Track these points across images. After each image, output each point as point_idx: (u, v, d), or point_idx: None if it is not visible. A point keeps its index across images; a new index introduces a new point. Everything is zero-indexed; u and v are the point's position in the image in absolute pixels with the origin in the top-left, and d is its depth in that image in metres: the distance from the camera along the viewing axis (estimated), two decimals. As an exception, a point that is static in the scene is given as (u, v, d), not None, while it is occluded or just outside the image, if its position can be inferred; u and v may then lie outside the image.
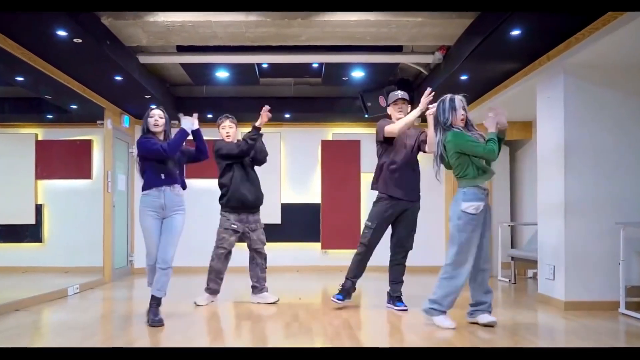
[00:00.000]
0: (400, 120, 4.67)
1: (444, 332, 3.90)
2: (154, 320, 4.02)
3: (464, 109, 3.97)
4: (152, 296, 4.12)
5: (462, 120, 3.96)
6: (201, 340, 3.63)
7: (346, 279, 4.84)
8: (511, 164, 7.83)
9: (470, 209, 3.80)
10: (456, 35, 5.27)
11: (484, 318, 3.99)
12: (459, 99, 3.99)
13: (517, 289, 6.28)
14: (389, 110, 4.87)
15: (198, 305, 4.95)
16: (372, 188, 4.83)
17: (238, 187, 5.06)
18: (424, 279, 6.66)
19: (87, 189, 7.23)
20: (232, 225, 5.06)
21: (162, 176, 4.17)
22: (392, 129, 4.64)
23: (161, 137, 4.30)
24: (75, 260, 6.87)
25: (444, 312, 3.95)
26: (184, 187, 4.34)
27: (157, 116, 4.31)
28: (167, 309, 4.77)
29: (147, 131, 4.29)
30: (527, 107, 6.25)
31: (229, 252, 5.14)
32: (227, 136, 5.11)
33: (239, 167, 5.10)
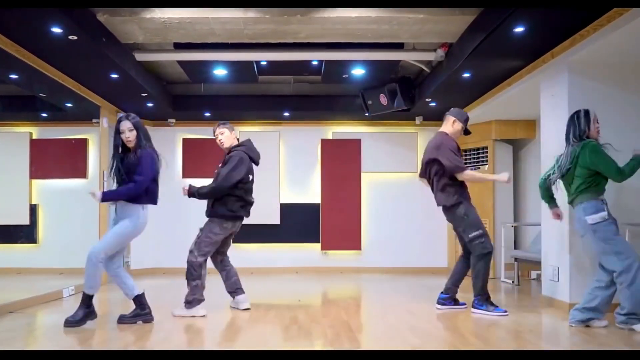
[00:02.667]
0: (483, 175, 5.07)
1: (446, 334, 3.90)
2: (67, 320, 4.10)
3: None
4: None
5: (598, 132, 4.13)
6: (199, 342, 3.63)
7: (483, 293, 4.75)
8: (514, 164, 7.82)
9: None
10: (458, 32, 5.27)
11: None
12: (595, 112, 4.17)
13: (520, 291, 6.28)
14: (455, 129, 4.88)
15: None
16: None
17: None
18: (426, 280, 6.65)
19: (82, 189, 7.21)
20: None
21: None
22: (469, 177, 4.74)
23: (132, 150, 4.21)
24: (70, 261, 6.84)
25: None
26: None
27: (127, 131, 4.20)
28: (165, 312, 4.77)
29: (122, 146, 4.23)
30: (530, 106, 6.25)
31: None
32: (221, 143, 4.95)
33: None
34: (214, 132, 4.94)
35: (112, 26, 5.07)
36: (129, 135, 4.15)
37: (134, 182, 4.10)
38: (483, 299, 4.70)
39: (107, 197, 4.17)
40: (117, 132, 4.20)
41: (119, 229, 4.14)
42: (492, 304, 4.70)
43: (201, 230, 4.86)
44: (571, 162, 4.08)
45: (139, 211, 4.16)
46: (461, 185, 4.77)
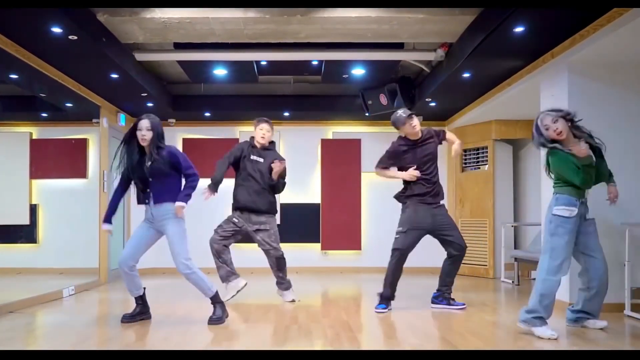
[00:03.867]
0: (391, 172, 5.02)
1: (446, 334, 3.90)
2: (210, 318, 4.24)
3: (555, 122, 3.81)
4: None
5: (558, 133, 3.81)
6: (198, 342, 3.63)
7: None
8: (514, 164, 7.82)
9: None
10: (458, 32, 5.27)
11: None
12: (541, 117, 3.87)
13: (520, 291, 6.28)
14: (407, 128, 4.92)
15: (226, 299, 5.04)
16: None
17: (236, 189, 5.33)
18: (426, 280, 6.65)
19: (82, 189, 7.22)
20: (234, 219, 5.27)
21: None
22: (380, 174, 5.06)
23: (146, 150, 4.15)
24: (70, 261, 6.86)
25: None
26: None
27: (144, 129, 4.11)
28: (164, 311, 4.78)
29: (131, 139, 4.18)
30: (530, 106, 6.24)
31: (224, 238, 5.25)
32: (262, 138, 5.26)
33: (239, 172, 5.32)
34: (264, 127, 5.25)
35: (112, 26, 5.08)
36: (146, 134, 4.10)
37: (194, 175, 4.18)
38: (382, 298, 4.84)
39: (186, 200, 4.18)
40: (134, 128, 4.15)
41: (178, 231, 4.15)
42: (386, 302, 4.82)
43: (264, 229, 5.19)
44: (546, 166, 4.03)
45: (173, 207, 4.18)
46: (408, 184, 4.89)
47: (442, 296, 5.01)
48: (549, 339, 3.64)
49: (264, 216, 5.21)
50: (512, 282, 6.80)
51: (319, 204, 8.38)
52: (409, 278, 7.34)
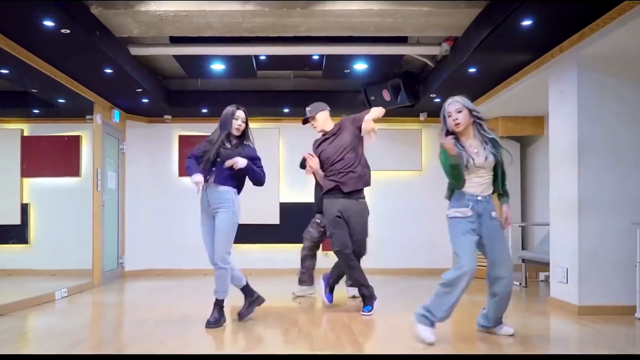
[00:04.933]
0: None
1: (451, 338, 3.91)
2: (208, 321, 4.27)
3: (458, 112, 3.76)
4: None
5: (456, 124, 3.74)
6: (195, 346, 3.63)
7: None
8: (522, 161, 7.82)
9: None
10: (464, 25, 5.26)
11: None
12: (449, 102, 3.81)
13: (528, 293, 6.28)
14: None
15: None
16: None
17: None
18: (430, 281, 6.65)
19: (75, 188, 7.22)
20: (316, 220, 5.71)
21: None
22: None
23: (234, 140, 4.37)
24: (63, 262, 6.87)
25: None
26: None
27: (241, 119, 4.38)
28: (160, 314, 4.78)
29: (223, 131, 4.34)
30: (538, 102, 6.25)
31: (315, 245, 5.80)
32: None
33: None
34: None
35: (105, 19, 5.07)
36: (241, 125, 4.37)
37: (262, 168, 4.43)
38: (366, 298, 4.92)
39: (249, 167, 4.33)
40: (231, 116, 4.35)
41: (229, 221, 4.23)
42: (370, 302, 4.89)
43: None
44: None
45: (234, 197, 4.28)
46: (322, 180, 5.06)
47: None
48: (423, 341, 3.60)
49: None
50: (520, 284, 6.80)
51: (319, 203, 8.37)
52: (412, 279, 7.34)
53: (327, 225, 4.96)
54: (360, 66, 6.64)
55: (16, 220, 7.09)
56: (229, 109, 4.41)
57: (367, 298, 4.85)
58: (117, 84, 6.36)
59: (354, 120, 4.99)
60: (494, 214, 3.73)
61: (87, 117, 6.92)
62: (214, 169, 4.26)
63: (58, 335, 3.91)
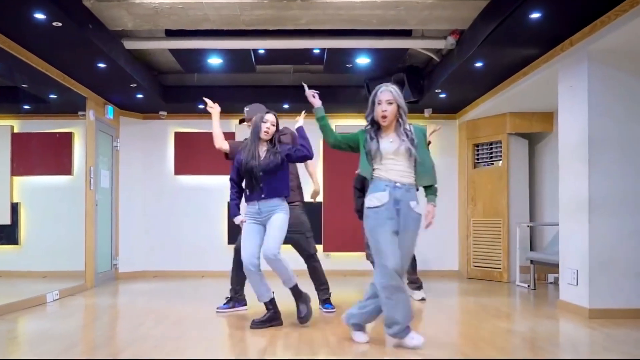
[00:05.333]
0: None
1: (457, 342, 3.90)
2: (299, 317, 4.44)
3: (389, 103, 3.67)
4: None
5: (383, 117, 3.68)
6: (192, 351, 3.63)
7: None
8: (530, 159, 7.81)
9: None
10: (470, 18, 5.25)
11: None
12: (382, 89, 3.73)
13: (537, 295, 6.27)
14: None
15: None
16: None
17: None
18: (435, 284, 6.65)
19: (67, 186, 7.22)
20: None
21: None
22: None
23: (264, 146, 4.40)
24: (54, 263, 6.86)
25: None
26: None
27: (270, 122, 4.42)
28: (155, 317, 4.78)
29: (254, 139, 4.39)
30: (547, 97, 6.24)
31: None
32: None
33: None
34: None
35: (99, 12, 5.07)
36: (271, 128, 4.43)
37: (303, 147, 4.52)
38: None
39: (301, 132, 4.60)
40: (260, 121, 4.43)
41: (280, 224, 4.29)
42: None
43: None
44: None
45: (285, 202, 4.40)
46: None
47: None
48: (358, 341, 3.63)
49: None
50: (528, 286, 6.79)
51: (320, 202, 8.36)
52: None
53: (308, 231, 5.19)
54: (363, 60, 6.63)
55: (6, 220, 7.08)
56: (259, 115, 4.47)
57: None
58: (111, 79, 6.36)
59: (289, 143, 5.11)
60: (413, 204, 3.65)
61: (80, 113, 6.92)
62: (261, 185, 4.29)
63: (49, 340, 3.90)
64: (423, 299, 5.69)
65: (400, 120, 3.69)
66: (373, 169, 3.67)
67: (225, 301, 5.14)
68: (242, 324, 4.53)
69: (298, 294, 4.47)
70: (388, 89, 3.68)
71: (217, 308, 5.09)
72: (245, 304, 5.16)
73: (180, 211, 8.20)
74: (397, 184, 3.62)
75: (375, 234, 3.60)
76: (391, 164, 3.65)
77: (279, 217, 4.30)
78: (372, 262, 5.54)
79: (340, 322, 4.56)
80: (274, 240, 4.24)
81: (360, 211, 4.94)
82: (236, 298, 5.13)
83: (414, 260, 5.49)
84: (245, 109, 5.17)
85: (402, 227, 3.62)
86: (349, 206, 8.55)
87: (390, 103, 3.66)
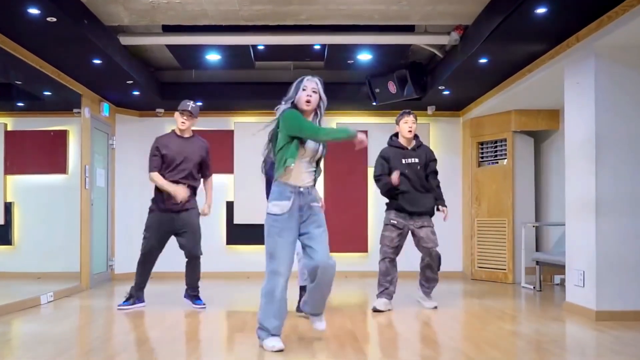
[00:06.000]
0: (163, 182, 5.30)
1: (460, 344, 3.90)
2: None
3: (314, 91, 3.70)
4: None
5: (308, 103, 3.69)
6: (189, 354, 3.63)
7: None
8: (536, 158, 7.81)
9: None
10: (474, 13, 5.25)
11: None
12: (309, 77, 3.76)
13: (542, 297, 6.27)
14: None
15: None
16: None
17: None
18: (439, 285, 6.65)
19: (62, 186, 7.22)
20: (392, 221, 5.42)
21: None
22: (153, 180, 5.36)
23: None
24: (49, 264, 6.87)
25: None
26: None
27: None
28: (150, 320, 4.78)
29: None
30: (553, 94, 6.23)
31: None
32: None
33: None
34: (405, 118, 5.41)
35: (94, 7, 5.07)
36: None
37: None
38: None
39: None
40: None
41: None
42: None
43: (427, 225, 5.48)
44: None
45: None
46: (155, 188, 5.41)
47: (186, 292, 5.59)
48: (271, 350, 3.56)
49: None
50: (534, 287, 6.79)
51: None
52: (414, 282, 7.34)
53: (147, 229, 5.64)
54: (365, 56, 6.63)
55: (-1, 220, 7.09)
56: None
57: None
58: (107, 75, 6.36)
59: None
60: (315, 203, 3.76)
61: (75, 110, 6.92)
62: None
63: (44, 342, 3.91)
64: (435, 307, 5.44)
65: (318, 111, 3.79)
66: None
67: (125, 298, 5.40)
68: (241, 327, 4.53)
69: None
70: (314, 79, 3.76)
71: (118, 305, 5.35)
72: (144, 301, 5.45)
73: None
74: (302, 189, 3.70)
75: (272, 241, 3.66)
76: (305, 165, 3.74)
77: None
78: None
79: (341, 324, 4.57)
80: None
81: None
82: (137, 295, 5.43)
83: (439, 259, 5.45)
84: (192, 105, 5.49)
85: (308, 222, 3.74)
86: (350, 205, 8.59)
87: (315, 92, 3.72)
